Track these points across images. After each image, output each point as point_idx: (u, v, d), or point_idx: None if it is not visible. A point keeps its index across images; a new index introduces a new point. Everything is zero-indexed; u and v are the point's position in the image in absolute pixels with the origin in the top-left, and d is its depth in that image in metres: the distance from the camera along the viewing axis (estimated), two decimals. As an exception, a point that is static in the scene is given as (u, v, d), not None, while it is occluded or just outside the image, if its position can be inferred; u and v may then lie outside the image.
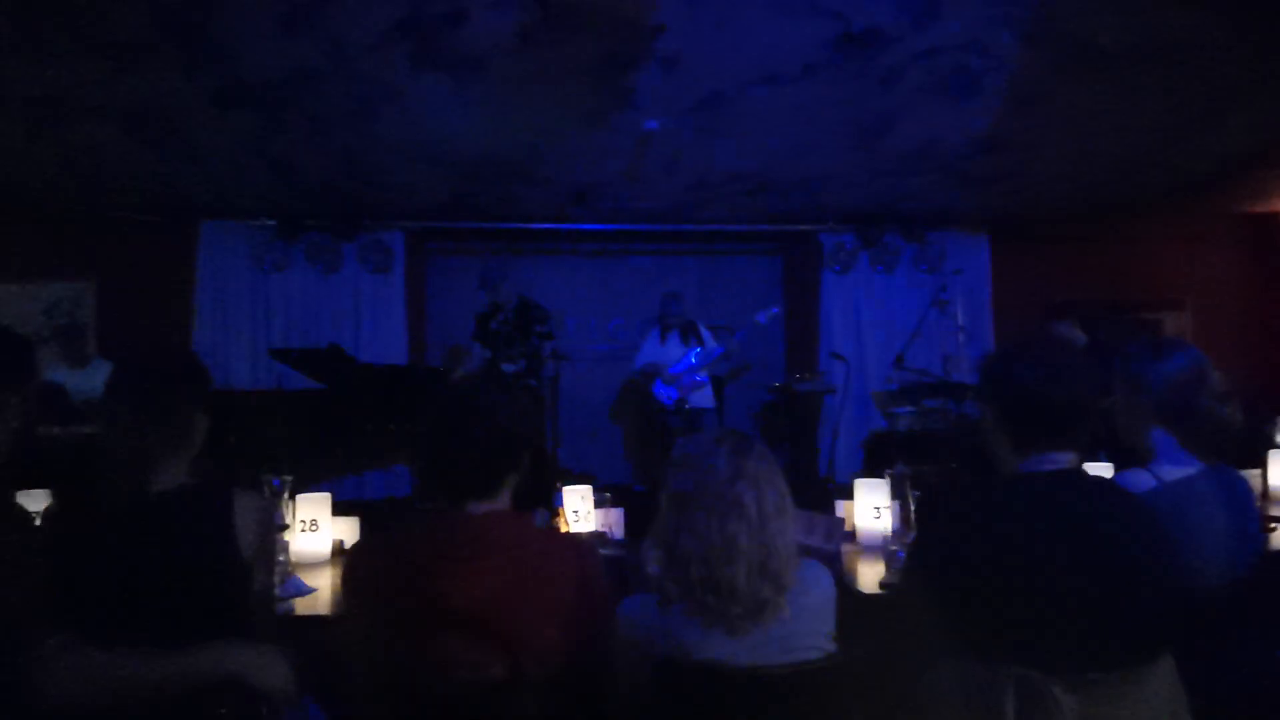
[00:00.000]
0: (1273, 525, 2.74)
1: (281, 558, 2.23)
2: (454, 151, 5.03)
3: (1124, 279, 7.56)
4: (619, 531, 2.75)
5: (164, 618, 1.50)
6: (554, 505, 2.50)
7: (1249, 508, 1.94)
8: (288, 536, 2.36)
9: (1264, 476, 3.30)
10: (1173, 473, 1.86)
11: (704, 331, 6.13)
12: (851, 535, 2.78)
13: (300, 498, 2.50)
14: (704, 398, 6.06)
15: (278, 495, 2.31)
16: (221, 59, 3.71)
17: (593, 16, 3.42)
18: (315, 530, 2.50)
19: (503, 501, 1.50)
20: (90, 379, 4.96)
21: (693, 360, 5.95)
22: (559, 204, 6.26)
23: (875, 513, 2.73)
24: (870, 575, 2.39)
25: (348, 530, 2.67)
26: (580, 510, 2.60)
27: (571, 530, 2.52)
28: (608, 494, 2.71)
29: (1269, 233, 7.65)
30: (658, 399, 6.04)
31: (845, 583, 2.27)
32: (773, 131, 4.82)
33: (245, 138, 4.68)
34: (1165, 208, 6.84)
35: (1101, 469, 2.93)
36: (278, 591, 2.11)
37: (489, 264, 5.57)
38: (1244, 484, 1.99)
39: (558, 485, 2.55)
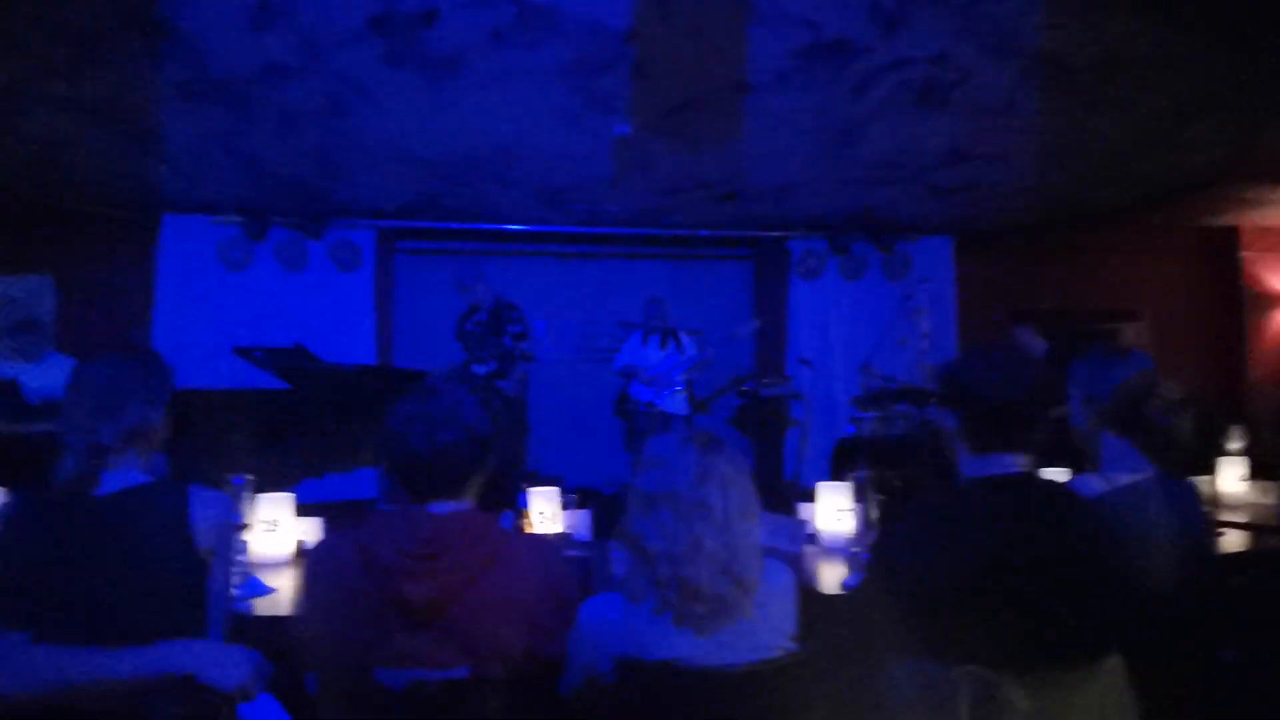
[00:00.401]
0: (1221, 530, 2.82)
1: (241, 557, 2.21)
2: (425, 151, 5.01)
3: (1084, 288, 7.71)
4: (586, 533, 2.76)
5: (119, 615, 1.48)
6: (520, 507, 2.49)
7: (1196, 513, 2.00)
8: (248, 536, 2.33)
9: (1214, 483, 3.39)
10: (1122, 478, 1.91)
11: (685, 338, 6.20)
12: (814, 537, 2.82)
13: (261, 497, 2.48)
14: (678, 404, 6.11)
15: (239, 493, 2.28)
16: (189, 53, 3.66)
17: (565, 20, 3.44)
18: (277, 530, 2.48)
19: (468, 502, 1.50)
20: (45, 374, 4.85)
21: (671, 365, 6.01)
22: (531, 206, 6.25)
23: (837, 516, 2.77)
24: (831, 576, 2.42)
25: (310, 531, 2.65)
26: (546, 512, 2.60)
27: (537, 531, 2.52)
28: (574, 495, 2.72)
29: (1225, 246, 7.86)
30: (633, 398, 6.10)
31: (807, 583, 2.30)
32: (744, 139, 4.86)
33: (212, 133, 4.61)
34: (1126, 220, 7.00)
35: (1057, 474, 3.00)
36: (237, 591, 2.09)
37: (464, 265, 5.55)
38: (1192, 490, 2.05)
39: (524, 487, 2.55)
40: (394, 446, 1.47)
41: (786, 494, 5.37)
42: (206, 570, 1.61)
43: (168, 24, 3.40)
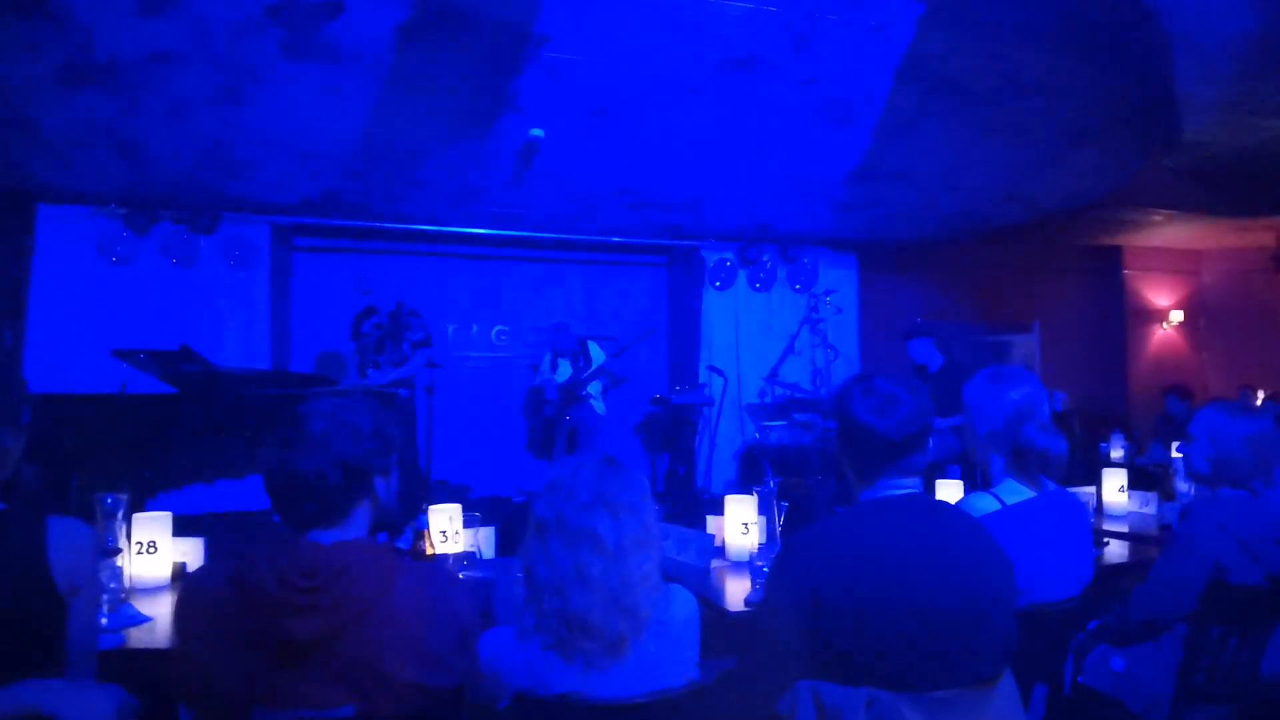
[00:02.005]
0: (1106, 540, 2.94)
1: (114, 584, 2.05)
2: (327, 146, 4.81)
3: (980, 302, 8.08)
4: (489, 550, 2.68)
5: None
6: (420, 526, 2.39)
7: (1084, 529, 2.08)
8: (121, 561, 2.17)
9: (1098, 494, 3.54)
10: (1014, 496, 1.97)
11: (593, 350, 6.20)
12: (721, 551, 2.81)
13: (137, 517, 2.31)
14: (596, 407, 6.17)
15: (110, 515, 2.12)
16: (72, 34, 3.41)
17: (474, 20, 3.35)
18: (154, 553, 2.31)
19: (355, 529, 1.42)
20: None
21: (581, 377, 6.03)
22: (440, 207, 6.10)
23: (743, 528, 2.77)
24: (737, 591, 2.41)
25: (190, 552, 2.48)
26: (448, 531, 2.51)
27: (437, 552, 2.42)
28: (477, 514, 2.63)
29: (1110, 264, 8.38)
30: (545, 413, 6.11)
31: (712, 601, 2.29)
32: (656, 148, 4.86)
33: (94, 119, 4.31)
34: (1019, 237, 7.35)
35: (952, 486, 3.09)
36: (108, 622, 1.95)
37: (369, 265, 5.38)
38: (1081, 507, 2.14)
39: (424, 508, 2.45)
40: (264, 476, 1.39)
41: (697, 503, 5.42)
42: (66, 608, 1.48)
43: (48, 1, 3.15)
